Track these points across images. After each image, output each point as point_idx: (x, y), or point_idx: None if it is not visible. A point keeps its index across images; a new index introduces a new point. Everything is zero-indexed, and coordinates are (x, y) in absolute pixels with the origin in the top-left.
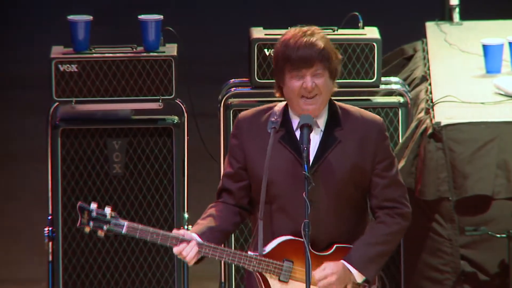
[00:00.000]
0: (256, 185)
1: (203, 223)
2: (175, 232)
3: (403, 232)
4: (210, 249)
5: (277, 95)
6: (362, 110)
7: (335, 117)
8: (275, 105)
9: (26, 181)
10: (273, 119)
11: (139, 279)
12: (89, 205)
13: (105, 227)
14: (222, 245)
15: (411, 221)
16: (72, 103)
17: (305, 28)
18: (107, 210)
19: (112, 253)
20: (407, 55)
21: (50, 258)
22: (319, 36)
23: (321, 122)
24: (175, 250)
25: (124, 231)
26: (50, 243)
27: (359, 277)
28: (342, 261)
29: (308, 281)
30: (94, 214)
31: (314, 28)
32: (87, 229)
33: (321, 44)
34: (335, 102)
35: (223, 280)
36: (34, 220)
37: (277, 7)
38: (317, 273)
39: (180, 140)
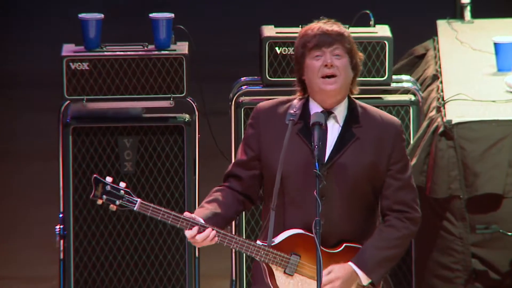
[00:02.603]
0: (270, 175)
1: (209, 207)
2: (186, 214)
3: (412, 237)
4: (220, 235)
5: (298, 93)
6: (381, 111)
7: (354, 114)
8: (294, 98)
9: (37, 179)
10: (292, 111)
11: (150, 277)
12: (105, 178)
13: (117, 202)
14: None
15: (420, 226)
16: (83, 101)
17: (325, 20)
18: (122, 185)
19: (123, 251)
20: (418, 54)
21: (61, 256)
22: (341, 25)
23: (340, 117)
24: (188, 233)
25: (136, 208)
26: (61, 241)
27: (365, 280)
28: (349, 263)
29: (319, 279)
30: (108, 188)
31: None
32: (99, 202)
33: (341, 29)
34: (355, 100)
35: (234, 278)
36: (45, 218)
37: (288, 5)
38: (322, 277)
39: (191, 138)
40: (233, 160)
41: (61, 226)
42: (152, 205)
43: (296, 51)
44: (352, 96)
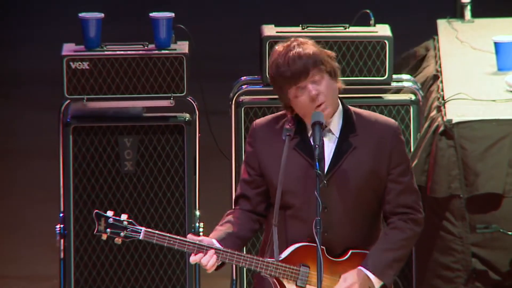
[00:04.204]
0: (271, 191)
1: (222, 229)
2: (191, 237)
3: (417, 237)
4: (228, 254)
5: (289, 114)
6: (377, 114)
7: (349, 123)
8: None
9: (38, 179)
10: (287, 126)
11: (150, 276)
12: (105, 212)
13: (122, 234)
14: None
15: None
16: (83, 101)
17: (288, 43)
18: (124, 216)
19: (123, 251)
20: (420, 56)
21: (62, 256)
22: (304, 44)
23: (336, 128)
24: (192, 259)
25: (141, 237)
26: (62, 241)
27: (377, 283)
28: (360, 267)
29: (319, 280)
30: (110, 221)
31: (297, 39)
32: (104, 236)
33: (309, 51)
34: (350, 107)
35: (234, 278)
36: (45, 217)
37: (289, 4)
38: (339, 286)
39: (191, 138)
40: (233, 160)
41: (62, 226)
42: (157, 232)
43: (274, 80)
44: (347, 96)
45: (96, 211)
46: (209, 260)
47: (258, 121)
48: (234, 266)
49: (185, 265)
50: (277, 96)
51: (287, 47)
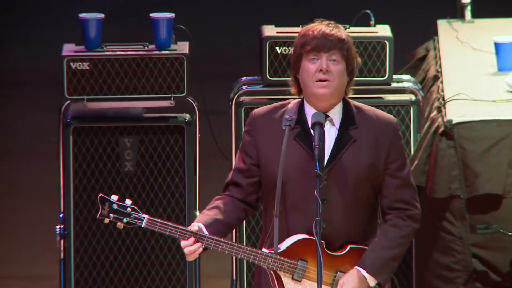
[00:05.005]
0: (270, 182)
1: (210, 214)
2: (194, 227)
3: (414, 234)
4: (227, 245)
5: (293, 90)
6: (376, 109)
7: (350, 116)
8: (289, 102)
9: (38, 179)
10: (288, 116)
11: (150, 277)
12: (110, 197)
13: (125, 220)
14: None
15: (420, 224)
16: (83, 101)
17: (327, 22)
18: (128, 202)
19: (123, 251)
20: (420, 55)
21: (62, 256)
22: (342, 30)
23: (336, 120)
24: (182, 243)
25: (144, 225)
26: (62, 241)
27: (372, 281)
28: (356, 267)
29: (319, 279)
30: (115, 206)
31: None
32: (106, 221)
33: (342, 35)
34: (350, 101)
35: (234, 278)
36: (45, 217)
37: (289, 4)
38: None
39: (191, 138)
40: (233, 160)
41: (62, 226)
42: (159, 220)
43: (295, 50)
44: (349, 96)
45: (101, 194)
46: (192, 252)
47: (257, 110)
48: (234, 266)
49: (185, 265)
50: (290, 67)
51: (324, 24)
